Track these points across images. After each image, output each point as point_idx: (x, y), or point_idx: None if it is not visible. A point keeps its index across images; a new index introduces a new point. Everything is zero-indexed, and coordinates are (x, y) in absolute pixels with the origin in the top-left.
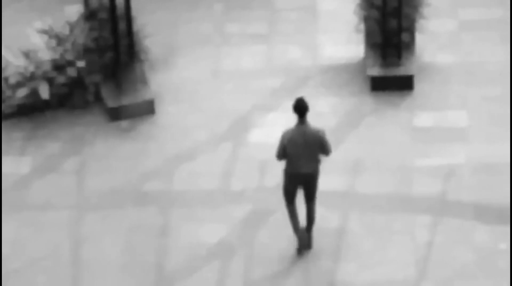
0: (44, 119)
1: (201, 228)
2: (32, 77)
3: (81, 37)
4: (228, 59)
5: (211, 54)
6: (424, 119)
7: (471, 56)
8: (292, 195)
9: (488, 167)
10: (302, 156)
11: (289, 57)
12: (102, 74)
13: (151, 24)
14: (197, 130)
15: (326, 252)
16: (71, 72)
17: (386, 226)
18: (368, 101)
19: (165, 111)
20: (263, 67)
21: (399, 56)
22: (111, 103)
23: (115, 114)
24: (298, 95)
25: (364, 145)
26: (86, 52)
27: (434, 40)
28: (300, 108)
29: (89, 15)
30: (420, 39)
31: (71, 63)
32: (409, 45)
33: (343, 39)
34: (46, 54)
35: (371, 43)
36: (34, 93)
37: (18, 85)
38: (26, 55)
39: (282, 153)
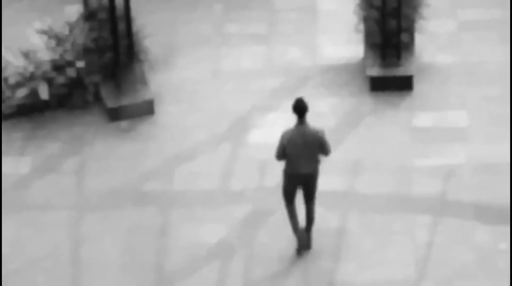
0: (44, 119)
1: (201, 228)
2: (31, 78)
3: (80, 38)
4: (228, 59)
5: (211, 54)
6: (423, 119)
7: (471, 56)
8: (291, 195)
9: (488, 167)
10: (302, 156)
11: (288, 57)
12: (101, 75)
13: (151, 24)
14: (197, 130)
15: (326, 252)
16: (71, 72)
17: (386, 226)
18: (367, 101)
19: (165, 111)
20: (263, 67)
21: (398, 57)
22: (110, 103)
23: (115, 114)
24: (298, 95)
25: (364, 145)
26: (85, 52)
27: (433, 40)
28: (300, 108)
29: (89, 15)
30: (419, 39)
31: (70, 64)
32: (409, 45)
33: (342, 39)
34: (45, 54)
35: (370, 43)
36: (34, 93)
37: (18, 85)
38: (26, 55)
39: (282, 153)
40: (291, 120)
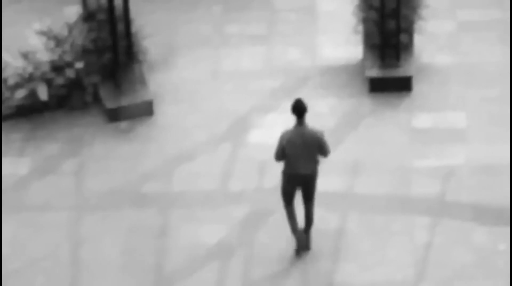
0: (43, 120)
1: (201, 228)
2: (30, 78)
3: (79, 38)
4: (227, 60)
5: (211, 54)
6: (423, 120)
7: (470, 57)
8: (290, 196)
9: (488, 167)
10: (301, 157)
11: (288, 58)
12: (100, 75)
13: (150, 25)
14: (197, 131)
15: (325, 253)
16: (70, 73)
17: (385, 226)
18: (366, 102)
19: (164, 112)
20: (262, 68)
21: (397, 57)
22: (110, 104)
23: (114, 115)
24: (297, 95)
25: (363, 146)
26: (84, 53)
27: (432, 41)
28: (299, 109)
29: (88, 16)
30: (418, 40)
31: (69, 64)
32: (408, 46)
33: (342, 40)
34: (44, 55)
35: (369, 44)
36: (33, 94)
37: (17, 86)
38: (25, 56)
39: (281, 154)
40: (290, 120)
